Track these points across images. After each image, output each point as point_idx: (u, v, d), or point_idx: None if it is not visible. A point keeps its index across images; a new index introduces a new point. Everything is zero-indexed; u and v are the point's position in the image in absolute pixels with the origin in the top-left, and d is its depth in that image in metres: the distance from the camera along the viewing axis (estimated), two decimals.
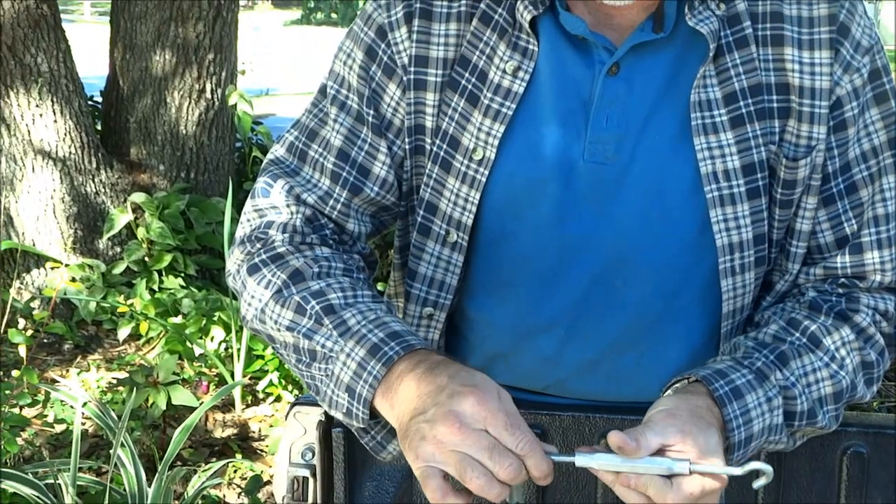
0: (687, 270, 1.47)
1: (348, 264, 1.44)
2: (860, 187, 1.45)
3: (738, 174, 1.41)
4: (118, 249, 4.90)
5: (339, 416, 1.33)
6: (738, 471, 1.20)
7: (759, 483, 1.20)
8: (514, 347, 1.55)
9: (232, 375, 4.04)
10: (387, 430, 1.38)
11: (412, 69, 1.45)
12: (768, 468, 1.19)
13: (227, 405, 4.07)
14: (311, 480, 1.52)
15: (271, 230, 1.45)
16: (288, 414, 1.54)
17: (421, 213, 1.50)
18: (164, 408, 3.50)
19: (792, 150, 1.42)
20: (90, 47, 7.53)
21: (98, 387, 4.04)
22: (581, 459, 1.20)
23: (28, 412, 3.72)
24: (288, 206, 1.46)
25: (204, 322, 4.29)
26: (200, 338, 4.23)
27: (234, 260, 1.47)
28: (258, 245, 1.44)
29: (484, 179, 1.45)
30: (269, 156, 1.54)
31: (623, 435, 1.18)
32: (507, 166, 1.44)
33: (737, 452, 1.31)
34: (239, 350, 4.04)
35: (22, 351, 3.71)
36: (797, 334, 1.43)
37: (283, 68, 15.33)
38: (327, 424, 1.52)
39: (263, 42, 18.34)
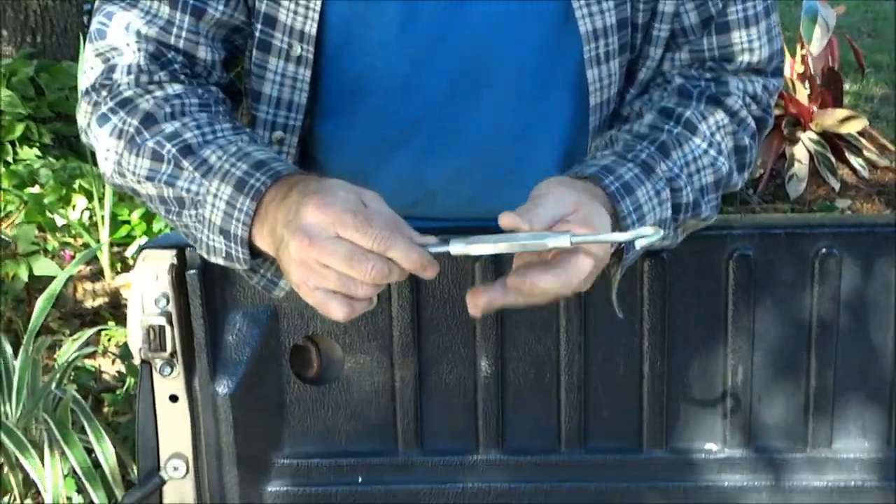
0: (550, 63, 1.40)
1: (204, 98, 1.32)
2: None
3: None
4: None
5: (220, 261, 1.25)
6: (623, 236, 1.13)
7: (641, 243, 1.13)
8: (372, 167, 1.46)
9: (98, 243, 3.90)
10: (276, 265, 1.28)
11: None
12: (654, 230, 1.12)
13: (97, 274, 3.95)
14: (167, 328, 1.42)
15: (115, 74, 1.33)
16: (136, 259, 1.43)
17: (259, 26, 1.38)
18: (25, 279, 3.37)
19: None
20: None
21: None
22: (456, 247, 1.11)
23: None
24: (129, 44, 1.34)
25: (64, 191, 4.13)
26: (62, 208, 4.07)
27: (82, 113, 1.36)
28: (104, 93, 1.33)
29: None
30: None
31: (515, 215, 1.10)
32: None
33: (630, 252, 1.26)
34: (103, 217, 3.90)
35: None
36: (672, 122, 1.37)
37: None
38: (180, 267, 1.41)
39: None
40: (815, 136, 4.70)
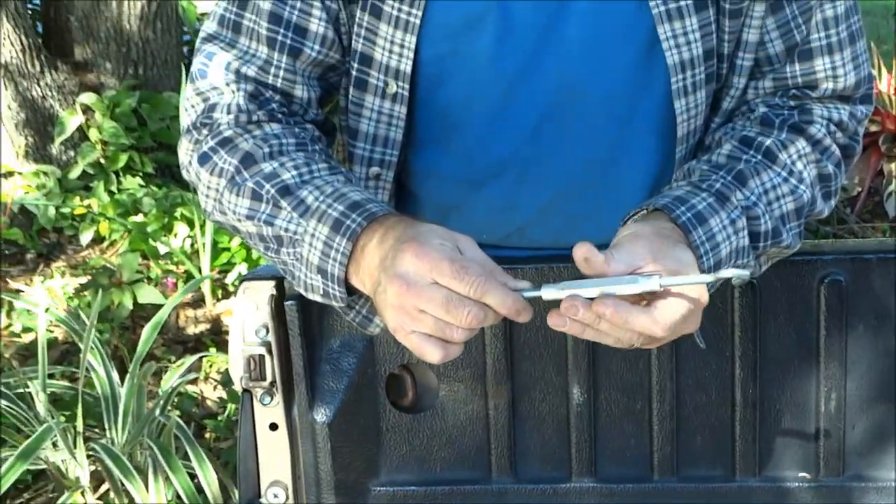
0: (637, 94, 1.41)
1: (301, 138, 1.36)
2: None
3: None
4: (72, 153, 4.78)
5: (317, 298, 1.28)
6: (710, 277, 1.15)
7: (733, 274, 1.15)
8: (465, 198, 1.48)
9: (199, 271, 3.97)
10: (371, 302, 1.32)
11: None
12: (743, 272, 1.14)
13: (198, 301, 4.00)
14: (267, 358, 1.46)
15: (215, 113, 1.37)
16: (237, 290, 1.47)
17: (356, 66, 1.41)
18: (130, 307, 3.44)
19: None
20: None
21: (64, 294, 3.95)
22: (548, 292, 1.14)
23: None
24: (228, 84, 1.38)
25: (166, 219, 4.19)
26: (164, 235, 4.14)
27: (184, 151, 1.40)
28: (205, 132, 1.37)
29: (417, 21, 1.36)
30: (202, 33, 1.45)
31: (590, 245, 1.12)
32: (439, 3, 1.36)
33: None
34: (204, 245, 3.96)
35: None
36: (752, 151, 1.37)
37: None
38: (279, 298, 1.45)
39: None
40: None
